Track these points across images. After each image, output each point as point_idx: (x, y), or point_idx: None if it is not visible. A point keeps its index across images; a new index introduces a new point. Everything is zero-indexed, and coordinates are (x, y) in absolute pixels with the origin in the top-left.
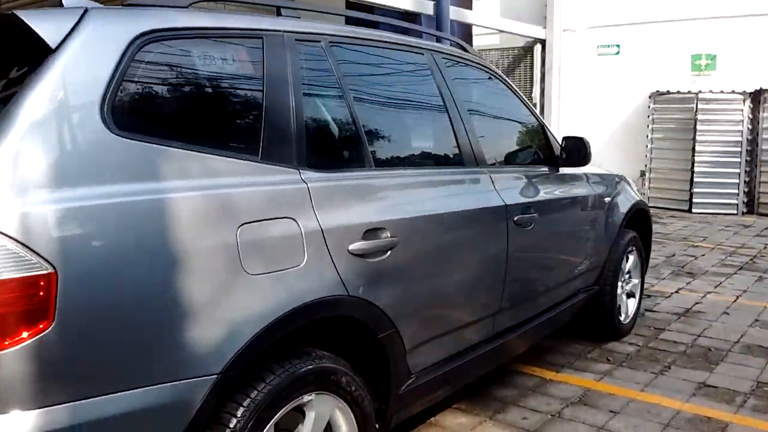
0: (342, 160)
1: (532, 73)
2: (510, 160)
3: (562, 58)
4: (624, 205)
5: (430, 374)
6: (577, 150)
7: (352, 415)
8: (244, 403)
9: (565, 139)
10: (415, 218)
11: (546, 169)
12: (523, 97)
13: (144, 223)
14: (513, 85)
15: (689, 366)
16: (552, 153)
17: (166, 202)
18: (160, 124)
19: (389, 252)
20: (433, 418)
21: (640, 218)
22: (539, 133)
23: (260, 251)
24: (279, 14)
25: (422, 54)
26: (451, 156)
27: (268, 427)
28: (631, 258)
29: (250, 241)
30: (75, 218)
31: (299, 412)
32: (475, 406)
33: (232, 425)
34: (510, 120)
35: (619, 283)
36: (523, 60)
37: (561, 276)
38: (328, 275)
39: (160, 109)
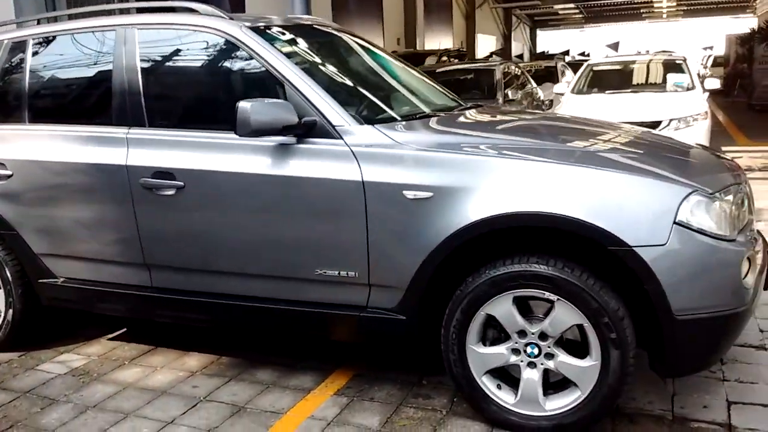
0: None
1: None
2: (207, 124)
3: None
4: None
5: (77, 285)
6: None
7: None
8: None
9: None
10: (29, 161)
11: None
12: (281, 65)
13: None
14: (263, 53)
15: None
16: None
17: None
18: None
19: (7, 180)
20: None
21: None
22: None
23: None
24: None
25: (112, 31)
26: (129, 118)
27: None
28: (556, 316)
29: None
30: None
31: None
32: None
33: None
34: (223, 85)
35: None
36: None
37: (268, 264)
38: None
39: None
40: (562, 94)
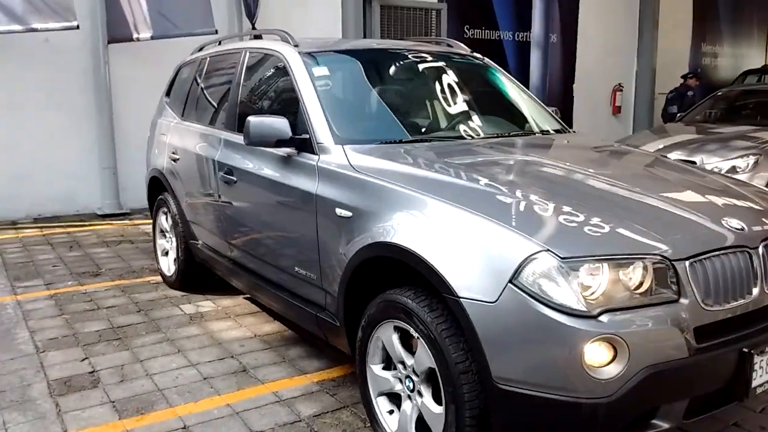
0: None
1: None
2: None
3: None
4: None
5: (206, 250)
6: None
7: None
8: None
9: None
10: (184, 149)
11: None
12: (303, 84)
13: None
14: (296, 74)
15: None
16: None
17: None
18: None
19: (176, 162)
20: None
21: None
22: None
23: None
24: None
25: (239, 54)
26: (228, 123)
27: None
28: (389, 339)
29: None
30: None
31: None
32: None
33: None
34: (281, 102)
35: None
36: None
37: (273, 255)
38: (164, 161)
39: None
40: None
